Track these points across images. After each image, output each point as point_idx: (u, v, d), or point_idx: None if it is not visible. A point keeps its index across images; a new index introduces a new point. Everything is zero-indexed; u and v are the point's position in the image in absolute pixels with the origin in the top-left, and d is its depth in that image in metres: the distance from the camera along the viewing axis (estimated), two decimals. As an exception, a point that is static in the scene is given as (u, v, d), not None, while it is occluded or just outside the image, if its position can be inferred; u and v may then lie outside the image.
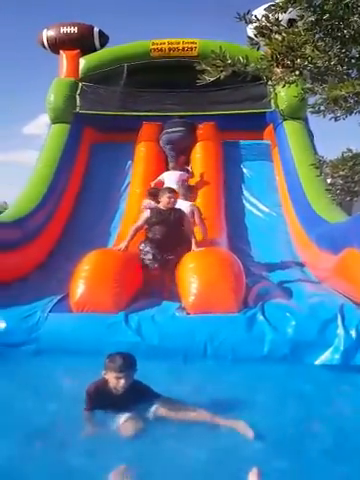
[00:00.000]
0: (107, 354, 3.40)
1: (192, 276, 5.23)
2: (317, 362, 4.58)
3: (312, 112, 4.99)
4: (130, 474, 2.73)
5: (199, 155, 9.32)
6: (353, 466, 2.88)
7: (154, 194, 7.36)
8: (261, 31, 4.42)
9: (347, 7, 4.06)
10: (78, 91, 9.81)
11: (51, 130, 9.69)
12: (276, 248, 7.55)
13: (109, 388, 3.34)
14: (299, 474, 2.81)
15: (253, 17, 4.36)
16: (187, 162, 9.30)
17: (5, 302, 5.19)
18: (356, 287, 5.18)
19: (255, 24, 4.40)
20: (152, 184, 8.20)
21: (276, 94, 9.10)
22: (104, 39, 10.48)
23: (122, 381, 3.29)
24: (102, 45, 10.41)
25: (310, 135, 9.14)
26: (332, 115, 4.83)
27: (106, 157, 9.64)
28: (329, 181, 6.34)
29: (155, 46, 9.94)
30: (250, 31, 5.06)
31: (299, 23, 4.36)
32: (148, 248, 5.96)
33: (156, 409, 3.33)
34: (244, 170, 9.45)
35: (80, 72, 10.03)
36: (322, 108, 4.82)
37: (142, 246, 6.03)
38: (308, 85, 4.80)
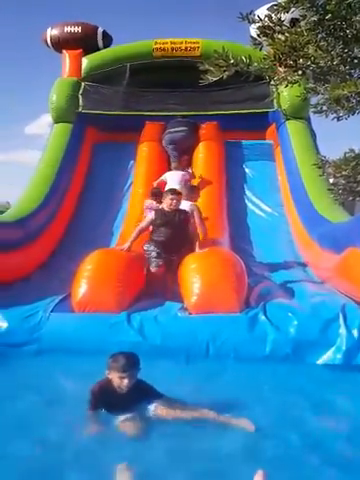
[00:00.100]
0: (110, 354, 3.40)
1: (194, 276, 5.24)
2: (319, 362, 4.59)
3: (314, 112, 4.98)
4: (132, 472, 2.73)
5: (201, 155, 9.31)
6: (356, 465, 2.89)
7: (156, 194, 7.38)
8: (264, 31, 4.40)
9: (350, 7, 4.05)
10: (81, 91, 9.79)
11: (53, 130, 9.68)
12: (278, 248, 7.55)
13: (113, 387, 3.34)
14: (301, 473, 2.80)
15: (256, 17, 4.35)
16: (189, 163, 9.30)
17: (7, 302, 5.20)
18: (358, 287, 5.17)
19: (258, 24, 4.38)
20: (155, 184, 8.20)
21: (279, 94, 9.07)
22: (107, 40, 10.47)
23: (126, 381, 3.29)
24: (105, 46, 10.39)
25: (312, 135, 9.12)
26: (334, 115, 4.82)
27: (108, 157, 9.63)
28: (331, 181, 6.33)
29: (158, 46, 9.92)
30: (253, 31, 5.06)
31: (302, 23, 4.34)
32: (153, 248, 5.96)
33: (159, 408, 3.33)
34: (246, 170, 9.44)
35: (82, 72, 10.01)
36: (324, 108, 4.81)
37: (146, 246, 6.04)
38: (311, 85, 4.79)
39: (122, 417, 3.28)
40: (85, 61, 10.09)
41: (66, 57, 10.20)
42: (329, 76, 4.50)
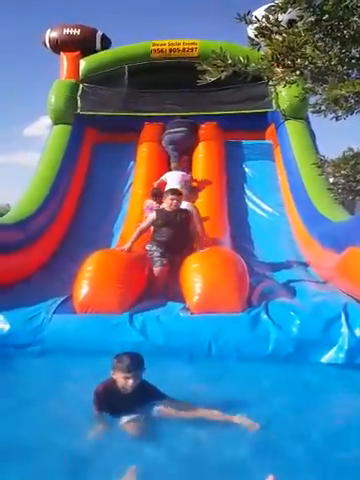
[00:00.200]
0: (115, 354, 3.40)
1: (196, 276, 5.25)
2: (321, 361, 4.60)
3: (313, 112, 5.01)
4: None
5: (201, 155, 9.33)
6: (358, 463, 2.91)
7: (157, 195, 7.39)
8: (261, 31, 4.42)
9: (347, 8, 4.07)
10: (79, 92, 9.82)
11: (52, 131, 9.70)
12: (279, 247, 7.56)
13: (117, 388, 3.34)
14: (303, 472, 2.82)
15: (253, 18, 4.36)
16: (189, 163, 9.31)
17: (9, 304, 5.21)
18: (358, 286, 5.19)
19: (255, 25, 4.40)
20: (155, 184, 8.21)
21: (277, 94, 9.09)
22: (106, 43, 10.49)
23: (130, 381, 3.29)
24: (104, 49, 10.41)
25: (312, 135, 9.14)
26: (333, 115, 4.85)
27: (108, 158, 9.64)
28: (331, 180, 6.36)
29: (156, 47, 9.95)
30: (250, 32, 5.07)
31: (299, 23, 4.36)
32: (155, 248, 5.98)
33: (163, 409, 3.35)
34: (246, 170, 9.46)
35: (80, 73, 10.04)
36: (323, 108, 4.84)
37: (149, 247, 6.05)
38: (309, 85, 4.81)
39: (126, 418, 3.28)
40: (83, 63, 10.11)
41: (64, 59, 10.22)
42: (327, 76, 4.52)
